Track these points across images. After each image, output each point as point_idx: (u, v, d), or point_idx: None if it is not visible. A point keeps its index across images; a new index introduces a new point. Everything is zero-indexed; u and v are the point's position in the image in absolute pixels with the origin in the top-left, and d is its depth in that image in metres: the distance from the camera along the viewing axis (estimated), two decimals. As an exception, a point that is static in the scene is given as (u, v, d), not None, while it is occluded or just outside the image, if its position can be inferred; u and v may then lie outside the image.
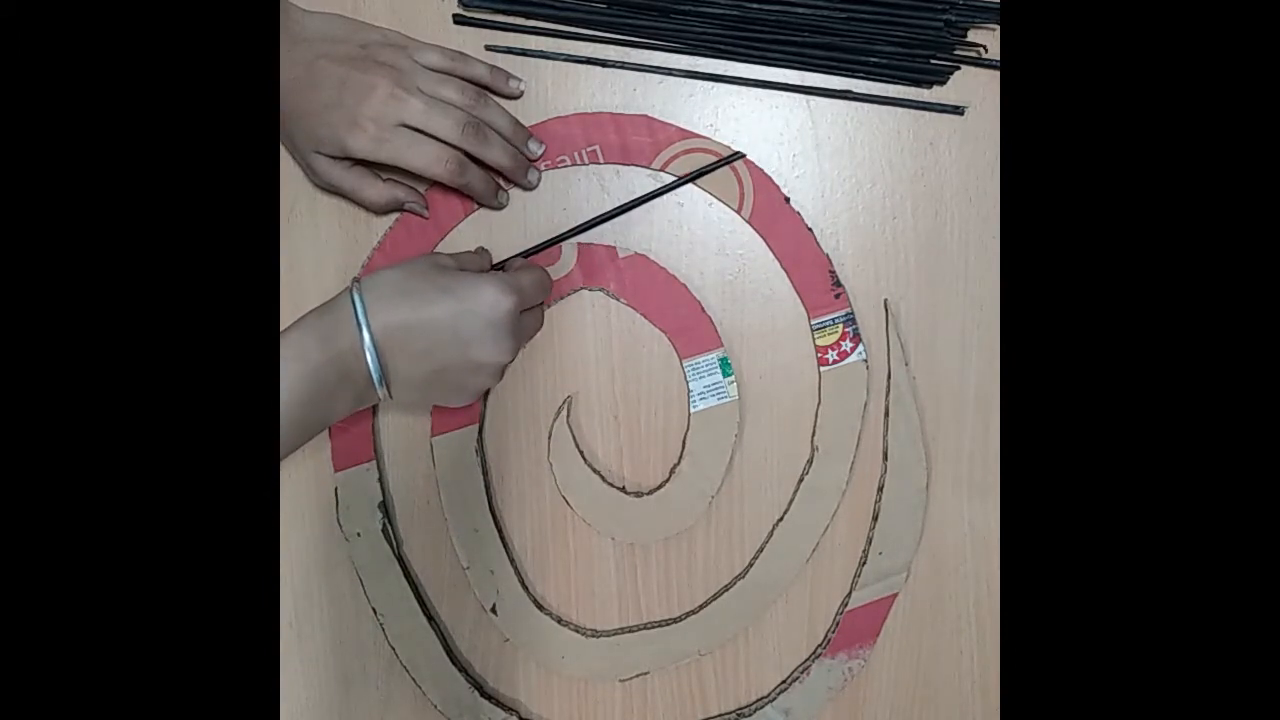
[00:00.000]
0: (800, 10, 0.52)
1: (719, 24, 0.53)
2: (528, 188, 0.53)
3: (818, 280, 0.54)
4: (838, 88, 0.54)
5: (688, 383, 0.55)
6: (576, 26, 0.53)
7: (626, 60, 0.54)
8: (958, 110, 0.53)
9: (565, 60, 0.53)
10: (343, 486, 0.55)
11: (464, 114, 0.49)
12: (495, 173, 0.52)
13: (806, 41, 0.53)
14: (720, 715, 0.57)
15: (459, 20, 0.53)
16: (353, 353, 0.43)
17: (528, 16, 0.53)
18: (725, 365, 0.55)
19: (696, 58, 0.54)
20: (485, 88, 0.52)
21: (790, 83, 0.54)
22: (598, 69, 0.54)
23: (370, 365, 0.43)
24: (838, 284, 0.54)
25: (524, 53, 0.53)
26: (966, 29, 0.53)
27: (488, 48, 0.53)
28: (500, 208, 0.53)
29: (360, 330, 0.43)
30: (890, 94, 0.54)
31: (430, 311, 0.44)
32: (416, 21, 0.53)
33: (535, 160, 0.53)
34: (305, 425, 0.43)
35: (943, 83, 0.53)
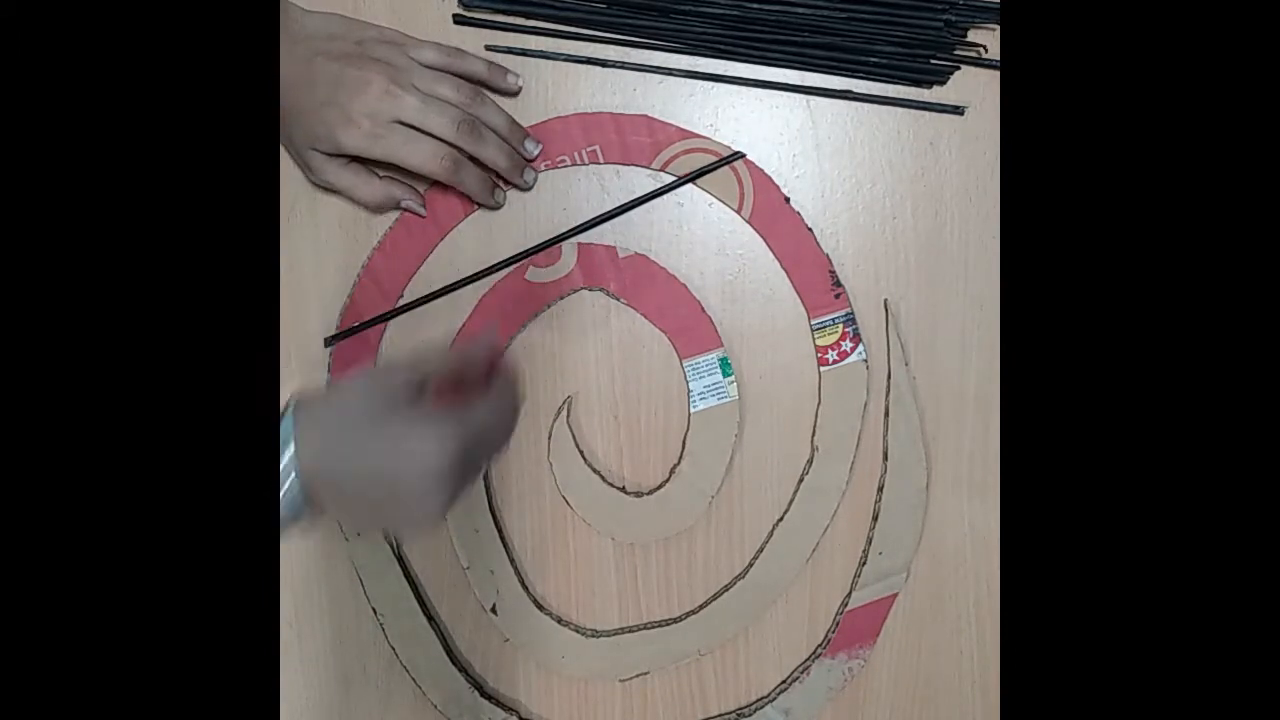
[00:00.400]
0: (800, 10, 0.52)
1: (719, 24, 0.53)
2: (524, 188, 0.53)
3: (818, 280, 0.54)
4: (838, 88, 0.54)
5: (688, 383, 0.55)
6: (577, 26, 0.53)
7: (626, 60, 0.54)
8: (958, 110, 0.53)
9: (565, 60, 0.53)
10: (343, 486, 0.55)
11: (459, 111, 0.49)
12: (491, 171, 0.52)
13: (807, 41, 0.53)
14: (720, 715, 0.57)
15: (459, 20, 0.53)
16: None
17: (528, 16, 0.53)
18: (725, 365, 0.55)
19: (696, 58, 0.54)
20: (482, 84, 0.52)
21: (790, 83, 0.54)
22: (598, 69, 0.54)
23: (282, 498, 0.37)
24: (838, 284, 0.54)
25: (524, 52, 0.53)
26: (966, 29, 0.53)
27: (488, 47, 0.53)
28: (497, 207, 0.53)
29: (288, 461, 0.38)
30: (890, 94, 0.54)
31: (361, 463, 0.38)
32: (416, 20, 0.53)
33: (532, 160, 0.53)
34: None
35: (943, 82, 0.53)
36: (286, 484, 0.37)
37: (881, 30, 0.53)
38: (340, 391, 0.41)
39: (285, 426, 0.38)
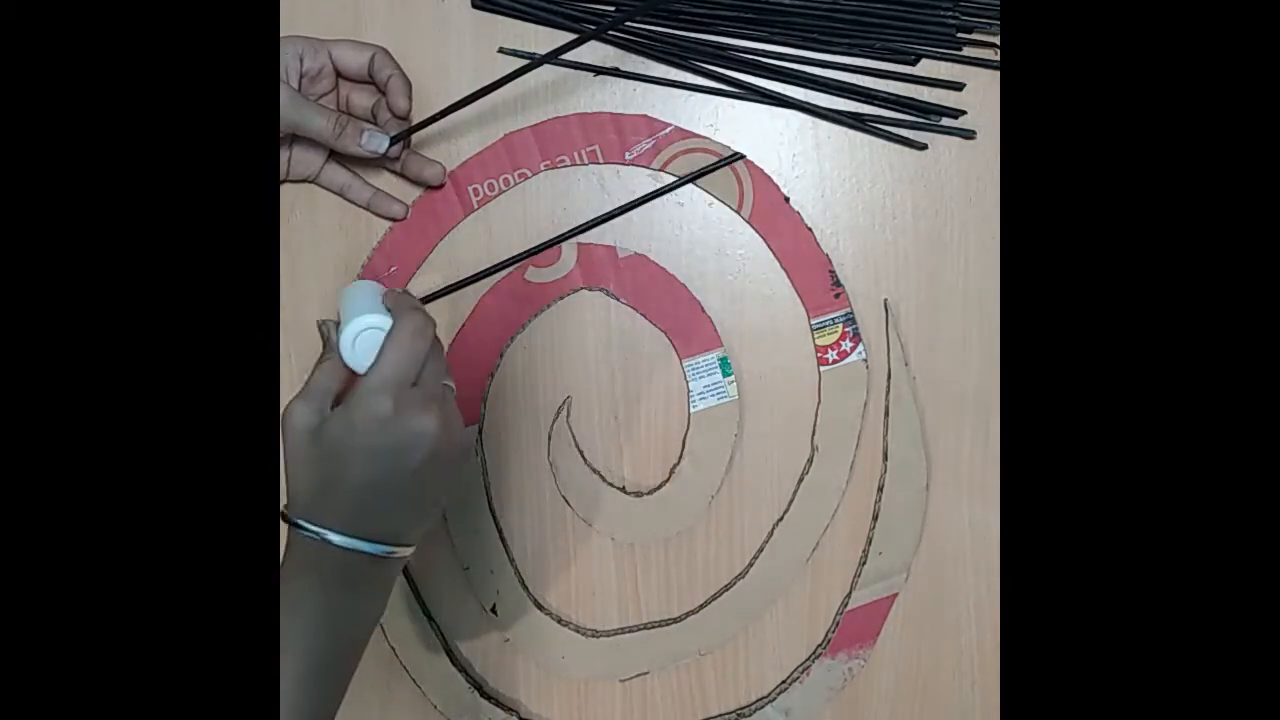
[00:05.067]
0: (804, 12, 0.53)
1: (729, 24, 0.53)
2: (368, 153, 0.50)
3: (818, 280, 0.54)
4: (842, 108, 0.54)
5: (688, 383, 0.55)
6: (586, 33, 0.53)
7: (635, 71, 0.54)
8: (968, 134, 0.53)
9: (574, 68, 0.53)
10: (343, 486, 0.55)
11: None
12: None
13: (808, 41, 0.53)
14: (720, 715, 0.57)
15: (477, 5, 0.53)
16: (351, 570, 0.40)
17: (539, 21, 0.53)
18: (725, 365, 0.55)
19: (700, 63, 0.54)
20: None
21: (789, 95, 0.54)
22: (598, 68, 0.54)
23: (372, 551, 0.40)
24: (838, 284, 0.54)
25: (531, 57, 0.53)
26: (969, 30, 0.53)
27: (501, 50, 0.53)
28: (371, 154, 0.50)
29: (340, 546, 0.39)
30: (894, 116, 0.54)
31: (384, 497, 0.40)
32: (415, 18, 0.53)
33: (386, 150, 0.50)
34: (349, 660, 0.42)
35: (954, 117, 0.53)
36: (367, 550, 0.40)
37: (884, 35, 0.53)
38: (301, 456, 0.40)
39: (313, 534, 0.40)
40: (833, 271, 0.54)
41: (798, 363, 0.55)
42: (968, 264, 0.54)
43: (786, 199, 0.54)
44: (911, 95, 0.54)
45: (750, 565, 0.56)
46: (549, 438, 0.55)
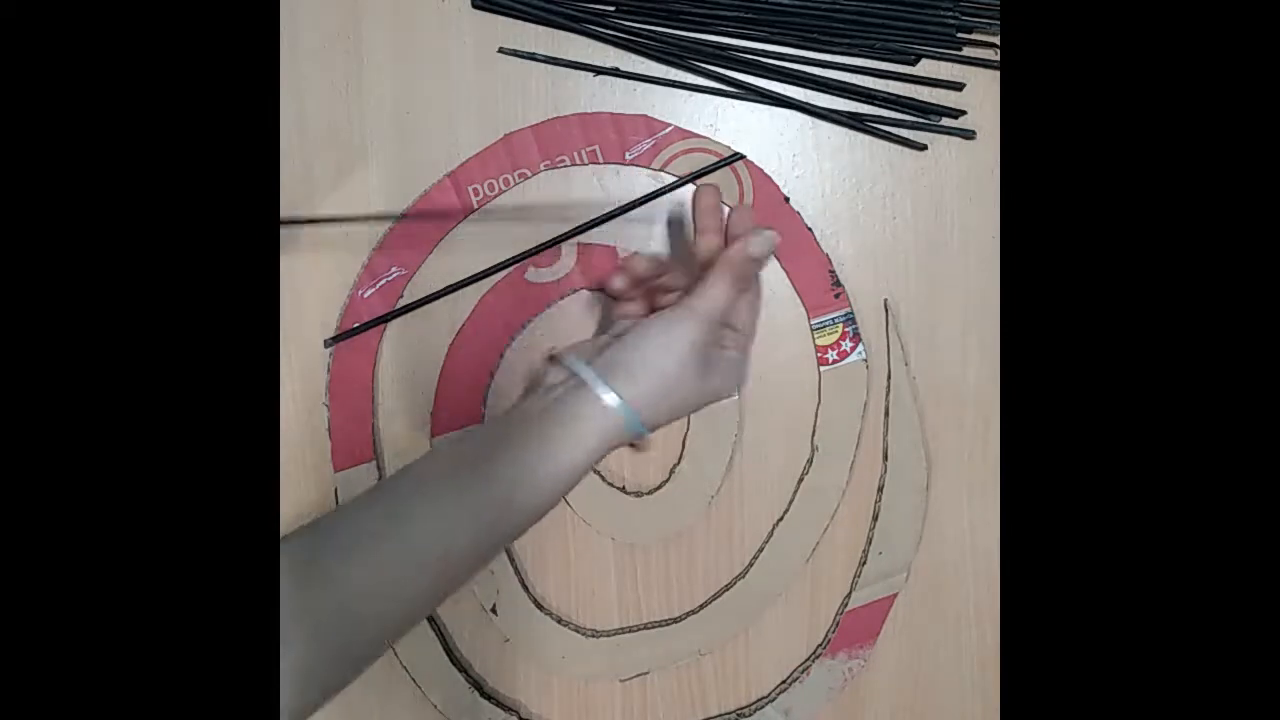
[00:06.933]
0: (804, 10, 0.53)
1: (728, 24, 0.53)
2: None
3: (818, 280, 0.54)
4: (842, 108, 0.54)
5: (688, 383, 0.55)
6: (585, 34, 0.53)
7: (634, 70, 0.54)
8: (968, 135, 0.53)
9: (573, 68, 0.53)
10: (343, 486, 0.55)
11: None
12: None
13: (808, 41, 0.53)
14: (720, 715, 0.57)
15: (477, 5, 0.53)
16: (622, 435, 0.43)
17: (539, 21, 0.53)
18: (725, 365, 0.55)
19: (700, 63, 0.54)
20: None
21: (789, 95, 0.54)
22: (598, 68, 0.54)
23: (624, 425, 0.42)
24: (838, 284, 0.54)
25: (531, 57, 0.53)
26: (969, 30, 0.53)
27: (501, 50, 0.53)
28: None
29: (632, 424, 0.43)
30: (894, 116, 0.54)
31: (683, 398, 0.45)
32: (415, 18, 0.53)
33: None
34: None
35: (954, 117, 0.53)
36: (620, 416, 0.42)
37: (884, 35, 0.53)
38: (634, 349, 0.44)
39: (585, 372, 0.42)
40: (833, 271, 0.54)
41: (798, 363, 0.55)
42: (968, 264, 0.54)
43: (786, 199, 0.54)
44: (911, 95, 0.54)
45: (750, 565, 0.56)
46: (549, 438, 0.55)
